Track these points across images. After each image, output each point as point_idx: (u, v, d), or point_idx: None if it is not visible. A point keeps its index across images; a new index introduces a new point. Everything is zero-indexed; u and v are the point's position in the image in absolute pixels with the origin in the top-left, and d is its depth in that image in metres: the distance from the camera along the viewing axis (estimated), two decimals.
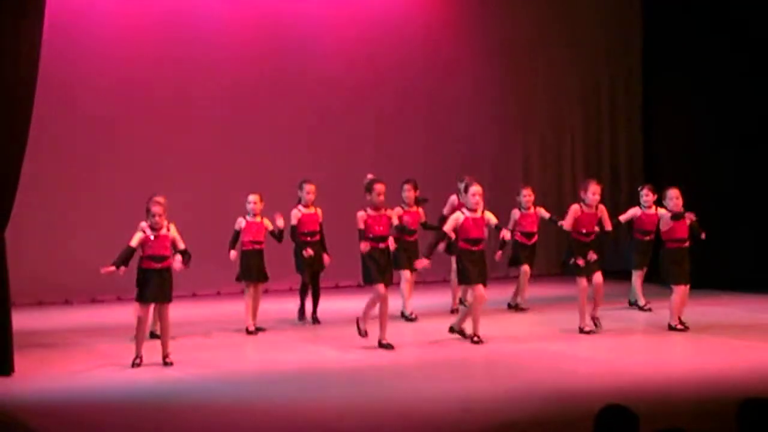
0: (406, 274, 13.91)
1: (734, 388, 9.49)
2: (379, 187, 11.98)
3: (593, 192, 12.73)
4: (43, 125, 13.45)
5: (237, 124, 17.00)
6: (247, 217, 13.38)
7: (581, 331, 12.62)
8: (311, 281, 13.78)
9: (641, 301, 14.42)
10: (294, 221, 13.53)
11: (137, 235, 11.28)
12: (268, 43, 17.25)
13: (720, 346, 12.01)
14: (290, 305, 14.23)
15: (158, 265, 11.24)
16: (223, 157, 16.72)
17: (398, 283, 13.85)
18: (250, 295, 13.29)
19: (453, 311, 14.15)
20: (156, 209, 11.23)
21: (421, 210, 14.05)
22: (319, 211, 13.67)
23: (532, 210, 14.50)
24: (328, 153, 17.14)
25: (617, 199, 17.89)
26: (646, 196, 14.24)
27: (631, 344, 12.27)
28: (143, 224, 11.40)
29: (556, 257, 17.22)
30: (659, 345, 12.22)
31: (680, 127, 17.19)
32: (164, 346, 11.37)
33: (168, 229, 11.34)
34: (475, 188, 12.22)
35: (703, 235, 12.94)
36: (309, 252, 13.42)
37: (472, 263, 12.19)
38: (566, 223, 12.78)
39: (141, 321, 11.32)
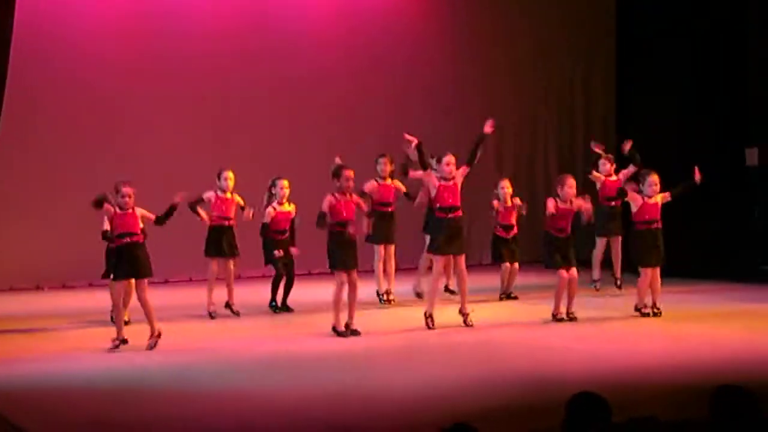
0: (380, 250, 13.88)
1: (707, 375, 9.50)
2: (347, 173, 12.00)
3: (570, 186, 12.74)
4: (15, 112, 13.38)
5: (221, 118, 16.92)
6: (218, 192, 13.32)
7: (554, 318, 12.64)
8: (285, 271, 13.73)
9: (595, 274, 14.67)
10: (267, 219, 13.45)
11: (105, 217, 11.34)
12: (256, 37, 17.23)
13: (694, 334, 12.03)
14: (265, 292, 14.16)
15: (128, 240, 11.25)
16: (208, 149, 16.58)
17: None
18: (213, 272, 13.23)
19: (418, 294, 14.13)
20: (126, 190, 11.26)
21: (397, 182, 13.99)
22: (292, 207, 13.59)
23: (509, 203, 14.46)
24: (311, 146, 17.06)
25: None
26: (603, 165, 14.53)
27: (605, 332, 12.28)
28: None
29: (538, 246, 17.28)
30: (634, 333, 12.23)
31: (655, 125, 17.22)
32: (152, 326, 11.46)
33: (133, 209, 11.37)
34: (448, 158, 12.25)
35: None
36: (279, 253, 13.38)
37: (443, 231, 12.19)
38: (549, 207, 12.74)
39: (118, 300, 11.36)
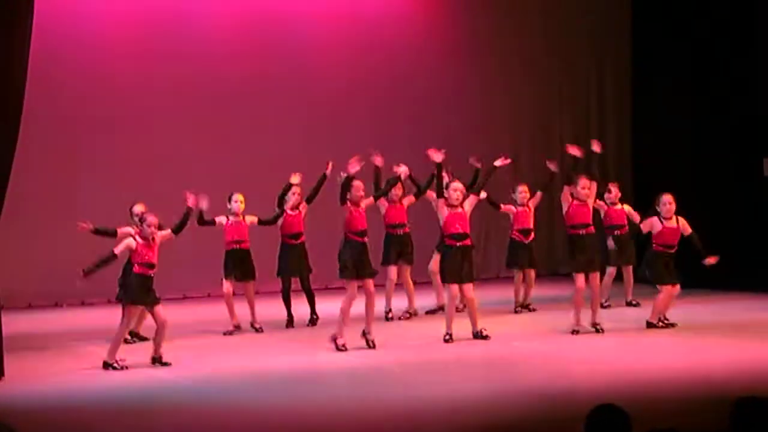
0: (392, 271, 13.90)
1: (726, 387, 9.47)
2: (357, 183, 12.00)
3: (582, 186, 12.74)
4: (25, 126, 13.37)
5: (223, 122, 16.95)
6: (230, 217, 13.33)
7: (574, 331, 12.61)
8: (302, 285, 13.74)
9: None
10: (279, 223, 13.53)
11: (126, 242, 11.30)
12: (256, 40, 17.27)
13: (712, 345, 11.99)
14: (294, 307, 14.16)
15: (151, 272, 11.27)
16: (209, 155, 16.65)
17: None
18: (229, 293, 13.27)
19: (436, 310, 14.19)
20: (151, 220, 11.27)
21: (405, 201, 13.97)
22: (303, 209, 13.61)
23: (527, 208, 14.42)
24: (317, 151, 17.04)
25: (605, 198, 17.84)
26: (608, 192, 14.32)
27: (622, 344, 12.24)
28: (130, 230, 11.49)
29: (553, 255, 17.26)
30: (651, 344, 12.20)
31: (670, 127, 17.20)
32: (158, 346, 11.38)
33: (155, 240, 11.37)
34: (455, 184, 12.31)
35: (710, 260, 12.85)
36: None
37: (452, 260, 12.22)
38: (564, 202, 12.78)
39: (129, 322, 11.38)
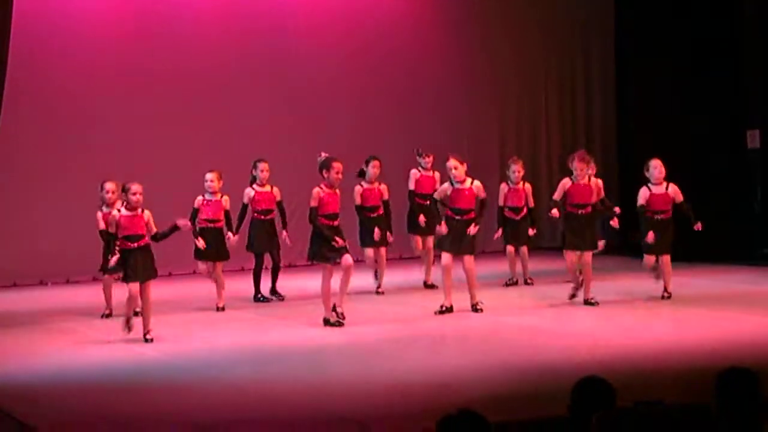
0: (369, 252, 13.91)
1: (712, 359, 9.50)
2: (337, 165, 11.96)
3: (578, 167, 12.78)
4: (8, 107, 13.34)
5: (206, 107, 16.84)
6: (205, 196, 13.33)
7: (586, 302, 12.72)
8: (273, 257, 13.79)
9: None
10: (246, 200, 13.55)
11: (112, 217, 11.29)
12: (239, 31, 17.11)
13: (697, 318, 12.04)
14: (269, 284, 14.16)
15: (134, 245, 11.24)
16: (194, 139, 16.56)
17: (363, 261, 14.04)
18: (203, 272, 13.33)
19: (426, 285, 14.25)
20: (135, 188, 11.24)
21: (383, 187, 13.99)
22: (275, 189, 13.65)
23: (521, 185, 14.41)
24: (300, 132, 17.04)
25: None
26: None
27: (608, 317, 12.28)
28: (107, 209, 11.49)
29: (549, 231, 17.28)
30: (636, 317, 12.23)
31: (653, 100, 17.21)
32: (146, 322, 11.36)
33: (143, 211, 11.33)
34: (451, 162, 12.41)
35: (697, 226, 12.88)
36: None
37: (450, 230, 12.30)
38: (556, 195, 12.80)
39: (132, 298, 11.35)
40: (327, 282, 11.91)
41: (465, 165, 12.48)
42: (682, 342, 10.68)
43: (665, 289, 12.98)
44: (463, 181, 12.39)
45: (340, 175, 11.99)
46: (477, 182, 12.47)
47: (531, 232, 14.11)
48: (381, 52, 17.83)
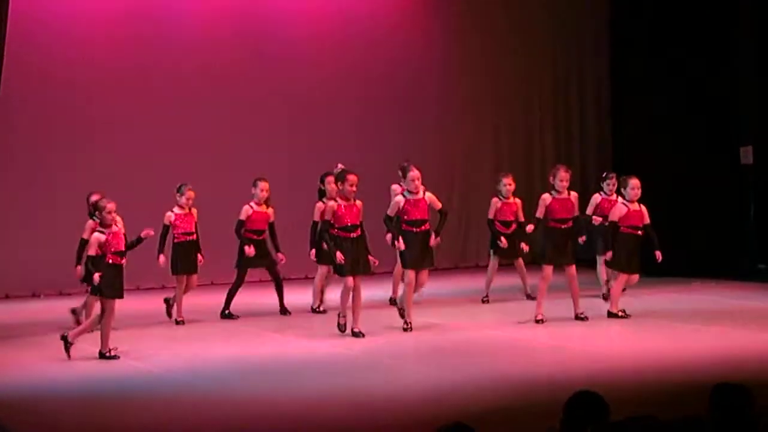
0: (322, 269, 13.72)
1: (704, 374, 9.51)
2: (351, 178, 12.00)
3: (561, 179, 12.74)
4: (10, 117, 13.34)
5: (201, 116, 16.81)
6: (175, 210, 13.30)
7: (536, 320, 12.64)
8: (271, 275, 13.76)
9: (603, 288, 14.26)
10: (243, 216, 13.47)
11: (94, 239, 11.22)
12: (236, 33, 17.14)
13: (691, 333, 12.04)
14: (265, 297, 14.16)
15: (122, 261, 11.23)
16: (187, 149, 16.49)
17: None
18: (182, 288, 13.27)
19: (391, 301, 13.95)
20: (110, 206, 11.20)
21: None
22: (270, 210, 13.59)
23: (511, 199, 14.37)
24: (298, 146, 17.03)
25: (588, 186, 17.85)
26: (613, 185, 13.99)
27: (600, 332, 12.28)
28: (92, 225, 11.59)
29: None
30: (629, 333, 12.24)
31: (649, 125, 17.21)
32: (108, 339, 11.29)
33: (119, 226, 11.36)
34: (413, 173, 12.29)
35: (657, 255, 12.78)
36: (250, 251, 13.36)
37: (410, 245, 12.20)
38: (538, 212, 12.78)
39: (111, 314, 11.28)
40: (344, 291, 12.01)
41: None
42: (676, 357, 10.68)
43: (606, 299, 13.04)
44: (417, 192, 12.32)
45: (354, 188, 11.99)
46: (429, 193, 12.39)
47: (525, 247, 13.98)
48: (379, 64, 17.82)
